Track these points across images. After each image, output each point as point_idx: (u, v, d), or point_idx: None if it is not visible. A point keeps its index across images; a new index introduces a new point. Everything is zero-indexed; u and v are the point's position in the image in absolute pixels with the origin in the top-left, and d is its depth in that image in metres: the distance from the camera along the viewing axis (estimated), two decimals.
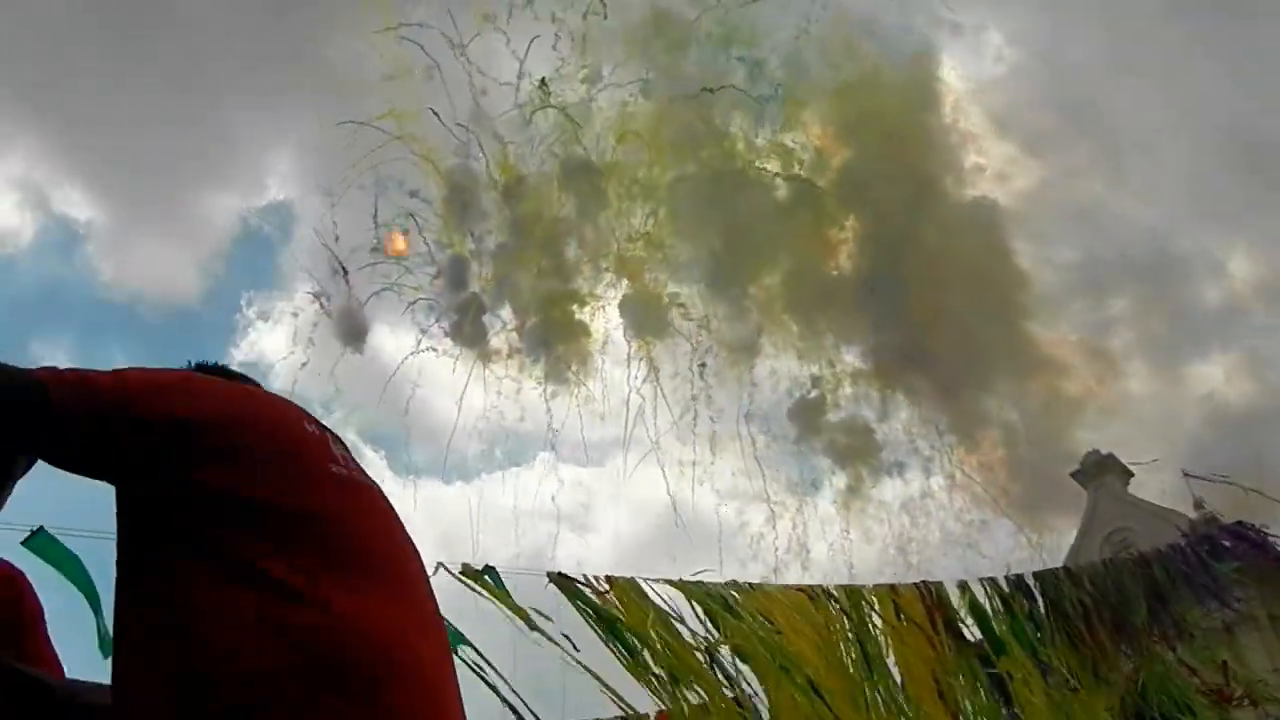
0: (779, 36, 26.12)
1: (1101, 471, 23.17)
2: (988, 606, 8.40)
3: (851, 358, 27.47)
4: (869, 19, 26.11)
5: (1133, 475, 23.44)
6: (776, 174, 26.37)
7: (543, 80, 25.14)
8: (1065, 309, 30.80)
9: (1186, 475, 22.17)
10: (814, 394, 26.73)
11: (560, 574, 6.42)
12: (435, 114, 24.15)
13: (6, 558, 2.16)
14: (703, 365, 26.29)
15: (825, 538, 28.93)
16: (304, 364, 24.40)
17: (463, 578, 6.35)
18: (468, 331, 26.06)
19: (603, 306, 27.24)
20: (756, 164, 26.24)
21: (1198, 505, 22.85)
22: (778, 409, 27.52)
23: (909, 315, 25.52)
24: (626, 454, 26.18)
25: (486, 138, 25.96)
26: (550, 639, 5.89)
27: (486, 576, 6.44)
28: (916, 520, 26.54)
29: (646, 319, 26.74)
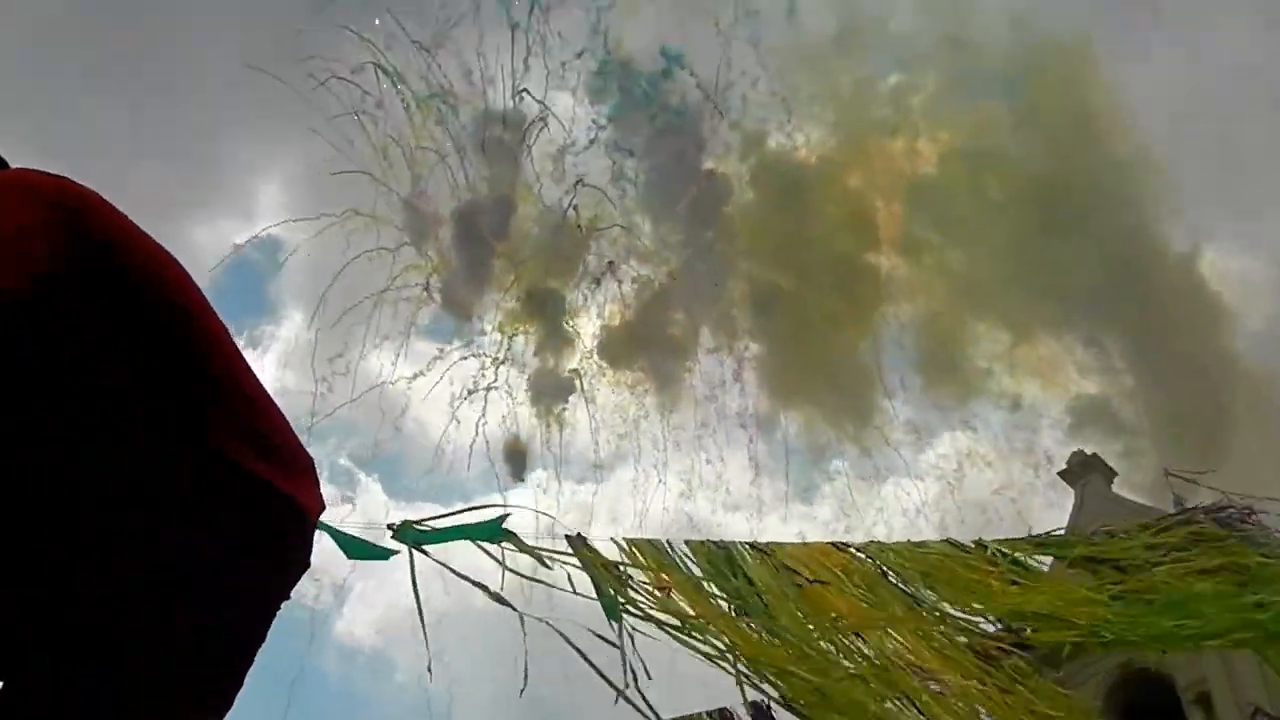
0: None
1: (1087, 470, 23.71)
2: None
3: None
4: None
5: (1116, 475, 23.97)
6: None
7: None
8: None
9: (1168, 474, 22.35)
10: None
11: (579, 535, 6.23)
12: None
13: None
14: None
15: None
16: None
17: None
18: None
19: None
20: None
21: (1178, 502, 23.00)
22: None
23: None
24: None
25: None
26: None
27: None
28: None
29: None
